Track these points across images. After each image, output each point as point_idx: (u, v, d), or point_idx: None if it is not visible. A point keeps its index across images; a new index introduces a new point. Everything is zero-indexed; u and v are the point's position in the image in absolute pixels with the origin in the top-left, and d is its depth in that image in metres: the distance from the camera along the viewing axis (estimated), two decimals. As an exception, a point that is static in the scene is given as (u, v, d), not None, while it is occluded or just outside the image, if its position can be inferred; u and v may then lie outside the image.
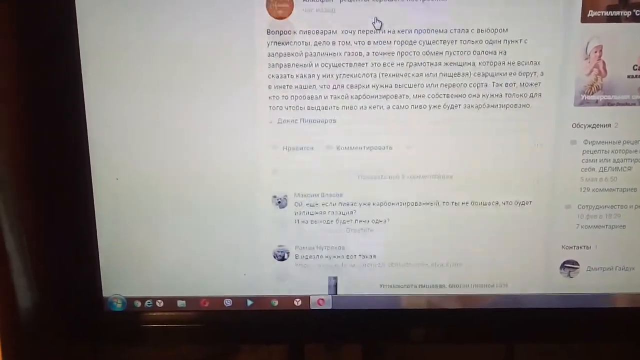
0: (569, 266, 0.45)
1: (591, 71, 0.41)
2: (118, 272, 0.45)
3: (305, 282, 0.45)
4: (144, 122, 0.42)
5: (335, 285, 0.45)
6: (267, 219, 0.44)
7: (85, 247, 0.45)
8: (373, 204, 0.44)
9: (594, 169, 0.43)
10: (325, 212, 0.44)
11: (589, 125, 0.42)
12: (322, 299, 0.46)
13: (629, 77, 0.41)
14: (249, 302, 0.46)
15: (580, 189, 0.43)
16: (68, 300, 0.47)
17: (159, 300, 0.46)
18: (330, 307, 0.46)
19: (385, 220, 0.44)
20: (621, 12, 0.40)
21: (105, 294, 0.46)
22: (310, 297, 0.46)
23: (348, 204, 0.44)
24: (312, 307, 0.46)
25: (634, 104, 0.42)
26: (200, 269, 0.45)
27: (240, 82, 0.41)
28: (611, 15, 0.40)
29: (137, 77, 0.41)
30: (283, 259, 0.44)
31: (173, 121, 0.42)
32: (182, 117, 0.42)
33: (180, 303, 0.46)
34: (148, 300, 0.46)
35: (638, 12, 0.40)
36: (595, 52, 0.41)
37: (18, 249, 0.43)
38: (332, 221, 0.44)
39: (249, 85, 0.41)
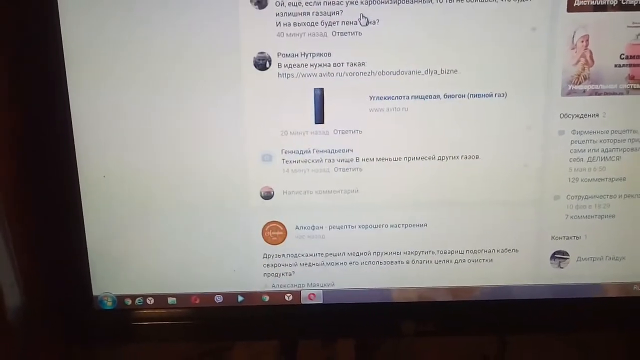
0: (559, 257, 0.45)
1: (578, 61, 0.41)
2: (108, 270, 0.45)
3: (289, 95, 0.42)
4: (129, 118, 0.42)
5: (322, 99, 0.41)
6: (246, 22, 0.40)
7: (74, 245, 0.44)
8: (362, 3, 0.40)
9: (582, 159, 0.43)
10: (309, 13, 0.40)
11: (577, 115, 0.42)
12: (313, 294, 0.46)
13: (616, 66, 0.41)
14: (240, 298, 0.46)
15: (569, 179, 0.43)
16: (58, 299, 0.46)
17: (150, 298, 0.46)
18: (321, 302, 0.46)
19: (376, 22, 0.40)
20: (607, 0, 0.40)
21: (95, 292, 0.46)
22: (301, 291, 0.46)
23: (334, 3, 0.40)
24: (303, 302, 0.46)
25: (622, 93, 0.42)
26: (190, 265, 0.45)
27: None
28: (597, 4, 0.40)
29: (120, 73, 0.41)
30: (265, 68, 0.41)
31: (158, 113, 0.42)
32: (166, 100, 0.41)
33: (171, 300, 0.46)
34: (138, 298, 0.46)
35: (624, 0, 0.40)
36: (582, 41, 0.41)
37: (4, 249, 0.43)
38: (316, 23, 0.40)
39: None
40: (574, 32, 0.40)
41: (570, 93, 0.42)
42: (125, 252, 0.45)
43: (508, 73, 0.42)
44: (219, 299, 0.46)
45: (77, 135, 0.42)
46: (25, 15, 0.41)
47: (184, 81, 0.41)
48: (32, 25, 0.41)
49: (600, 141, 0.43)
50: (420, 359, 0.53)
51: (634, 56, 0.41)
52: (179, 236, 0.44)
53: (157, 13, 0.40)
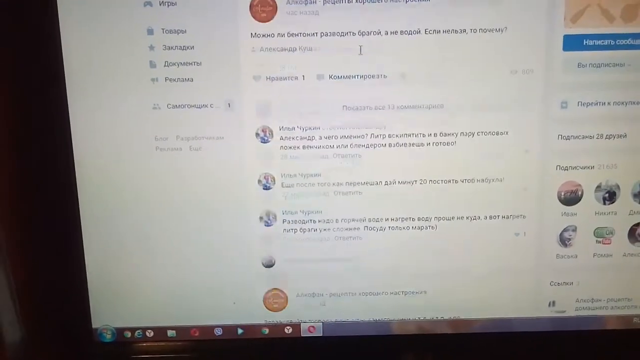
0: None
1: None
2: (107, 302, 0.45)
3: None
4: (131, 152, 0.42)
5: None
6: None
7: (73, 278, 0.44)
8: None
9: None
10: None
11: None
12: (313, 326, 0.46)
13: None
14: (240, 331, 0.46)
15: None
16: (57, 332, 0.46)
17: (149, 331, 0.46)
18: (321, 334, 0.46)
19: None
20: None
21: (94, 324, 0.46)
22: (301, 324, 0.46)
23: None
24: (302, 335, 0.46)
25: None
26: (190, 298, 0.45)
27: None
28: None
29: (122, 97, 0.41)
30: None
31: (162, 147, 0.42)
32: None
33: (171, 333, 0.46)
34: (138, 331, 0.46)
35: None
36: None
37: (4, 282, 0.43)
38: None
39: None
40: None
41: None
42: (125, 285, 0.45)
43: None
44: (218, 332, 0.46)
45: (78, 168, 0.42)
46: (23, 36, 0.42)
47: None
48: (30, 46, 0.42)
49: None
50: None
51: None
52: (178, 269, 0.44)
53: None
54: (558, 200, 0.43)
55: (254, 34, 0.40)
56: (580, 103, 0.42)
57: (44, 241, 0.45)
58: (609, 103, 0.42)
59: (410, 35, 0.40)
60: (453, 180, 0.43)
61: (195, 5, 0.40)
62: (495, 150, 0.42)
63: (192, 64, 0.41)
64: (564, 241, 0.44)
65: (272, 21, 0.40)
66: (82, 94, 0.41)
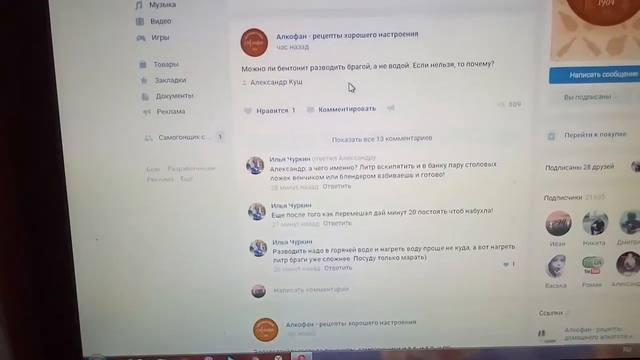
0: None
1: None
2: (98, 331, 0.45)
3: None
4: (123, 186, 0.43)
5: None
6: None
7: (64, 306, 0.45)
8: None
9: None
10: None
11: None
12: (303, 356, 0.46)
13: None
14: (230, 360, 0.46)
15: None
16: (48, 361, 0.46)
17: (140, 359, 0.46)
18: (310, 364, 0.46)
19: None
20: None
21: (85, 353, 0.46)
22: (291, 353, 0.46)
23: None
24: (293, 364, 0.46)
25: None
26: (180, 327, 0.45)
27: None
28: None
29: (114, 129, 0.42)
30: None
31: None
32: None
33: (161, 362, 0.46)
34: (129, 359, 0.46)
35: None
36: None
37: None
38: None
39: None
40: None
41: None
42: (116, 314, 0.45)
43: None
44: (208, 361, 0.46)
45: (70, 197, 0.43)
46: (19, 68, 0.42)
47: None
48: (23, 73, 0.42)
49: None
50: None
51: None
52: (169, 298, 0.45)
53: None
54: (546, 230, 0.44)
55: (245, 67, 0.41)
56: (567, 134, 0.42)
57: (34, 269, 0.46)
58: (595, 134, 0.42)
59: (398, 68, 0.41)
60: (442, 210, 0.43)
61: (188, 39, 0.40)
62: (483, 181, 0.43)
63: (184, 96, 0.41)
64: (552, 271, 0.44)
65: (262, 55, 0.40)
66: (74, 126, 0.42)
